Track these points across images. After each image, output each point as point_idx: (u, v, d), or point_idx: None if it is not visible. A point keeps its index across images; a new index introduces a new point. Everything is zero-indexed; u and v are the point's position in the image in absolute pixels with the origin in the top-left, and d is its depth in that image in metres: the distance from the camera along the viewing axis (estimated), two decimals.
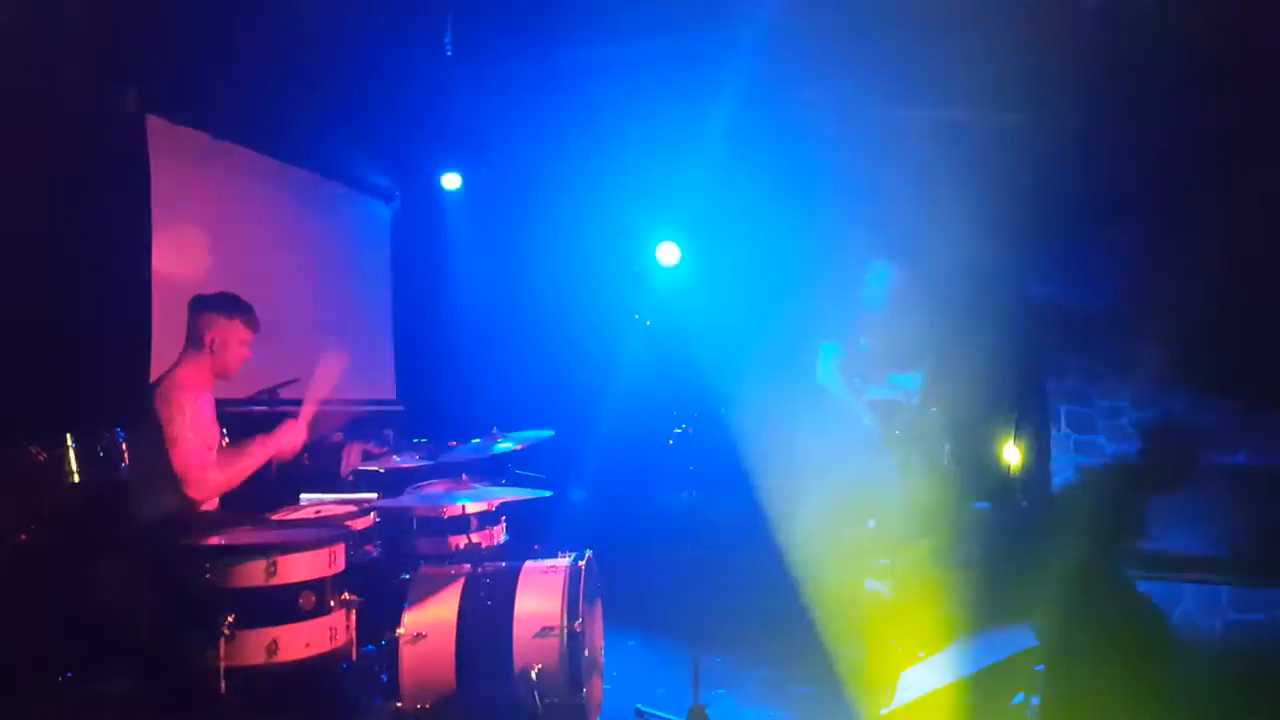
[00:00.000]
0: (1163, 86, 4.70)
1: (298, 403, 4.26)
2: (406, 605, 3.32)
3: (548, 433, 4.20)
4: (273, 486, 3.78)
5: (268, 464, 3.54)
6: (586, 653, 3.35)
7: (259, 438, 3.46)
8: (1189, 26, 4.17)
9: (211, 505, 3.37)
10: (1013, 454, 6.48)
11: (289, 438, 3.50)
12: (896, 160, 6.03)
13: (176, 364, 3.38)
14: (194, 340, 3.40)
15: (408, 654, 3.22)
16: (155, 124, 4.68)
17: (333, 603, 2.89)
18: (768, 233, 7.52)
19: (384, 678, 3.32)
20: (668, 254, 6.60)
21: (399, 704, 3.20)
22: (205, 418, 3.34)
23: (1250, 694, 4.14)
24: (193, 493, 3.17)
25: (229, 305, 3.46)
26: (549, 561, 3.53)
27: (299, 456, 3.68)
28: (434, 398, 6.50)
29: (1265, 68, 4.39)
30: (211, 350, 3.38)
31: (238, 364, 3.47)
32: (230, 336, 3.42)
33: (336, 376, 3.78)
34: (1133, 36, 4.13)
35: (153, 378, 4.13)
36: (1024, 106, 5.51)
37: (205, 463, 3.23)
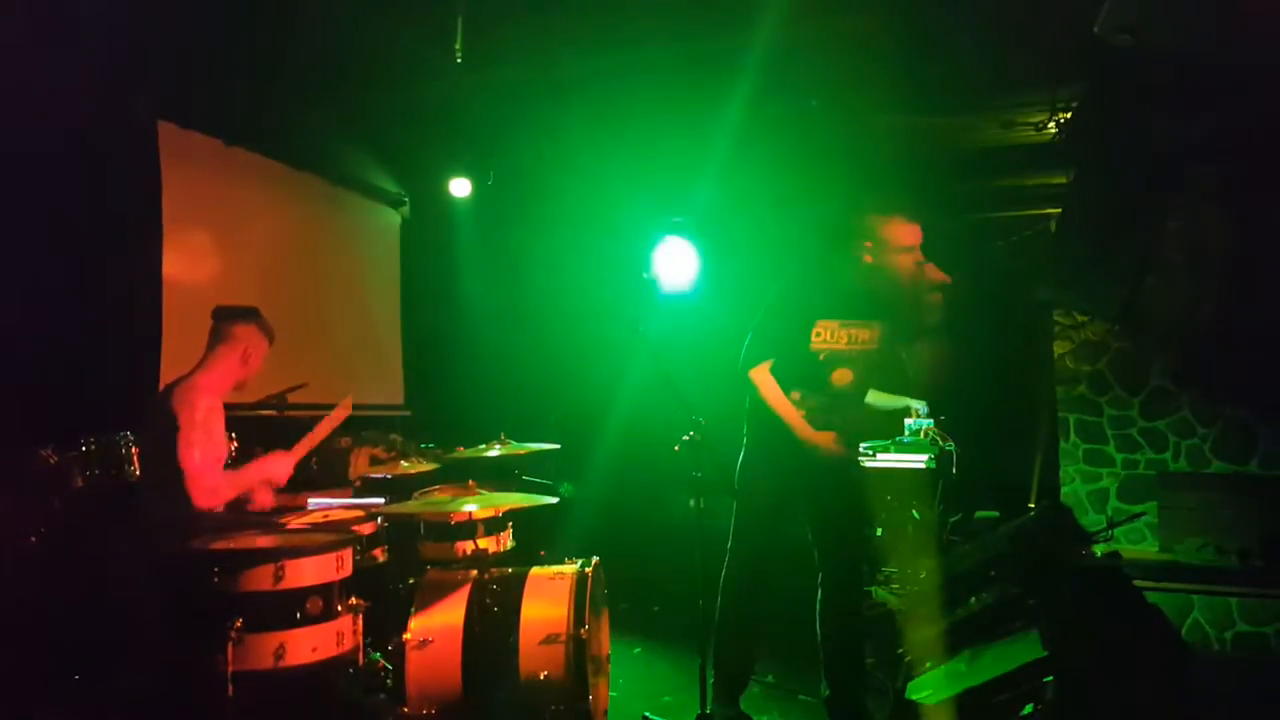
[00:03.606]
0: (1166, 93, 4.70)
1: (305, 407, 4.28)
2: (413, 610, 3.32)
3: (553, 446, 4.21)
4: (280, 491, 3.79)
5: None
6: (593, 660, 3.35)
7: (254, 462, 3.48)
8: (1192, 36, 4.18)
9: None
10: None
11: (279, 467, 3.49)
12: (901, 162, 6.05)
13: (199, 368, 3.37)
14: (227, 349, 3.40)
15: (414, 659, 3.22)
16: (167, 129, 4.72)
17: (340, 607, 2.89)
18: (773, 236, 7.54)
19: (390, 683, 3.32)
20: (676, 265, 6.59)
21: (405, 709, 3.20)
22: (218, 424, 3.35)
23: (1261, 707, 4.11)
24: (199, 500, 3.17)
25: (262, 319, 3.50)
26: (556, 568, 3.52)
27: (307, 460, 3.69)
28: (442, 403, 6.52)
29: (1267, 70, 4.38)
30: (245, 362, 3.40)
31: (253, 377, 3.50)
32: (261, 350, 3.45)
33: (339, 422, 3.81)
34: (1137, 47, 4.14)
35: (162, 381, 4.16)
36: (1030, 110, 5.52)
37: (215, 470, 3.24)
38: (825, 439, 3.49)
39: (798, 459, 3.53)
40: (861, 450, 5.51)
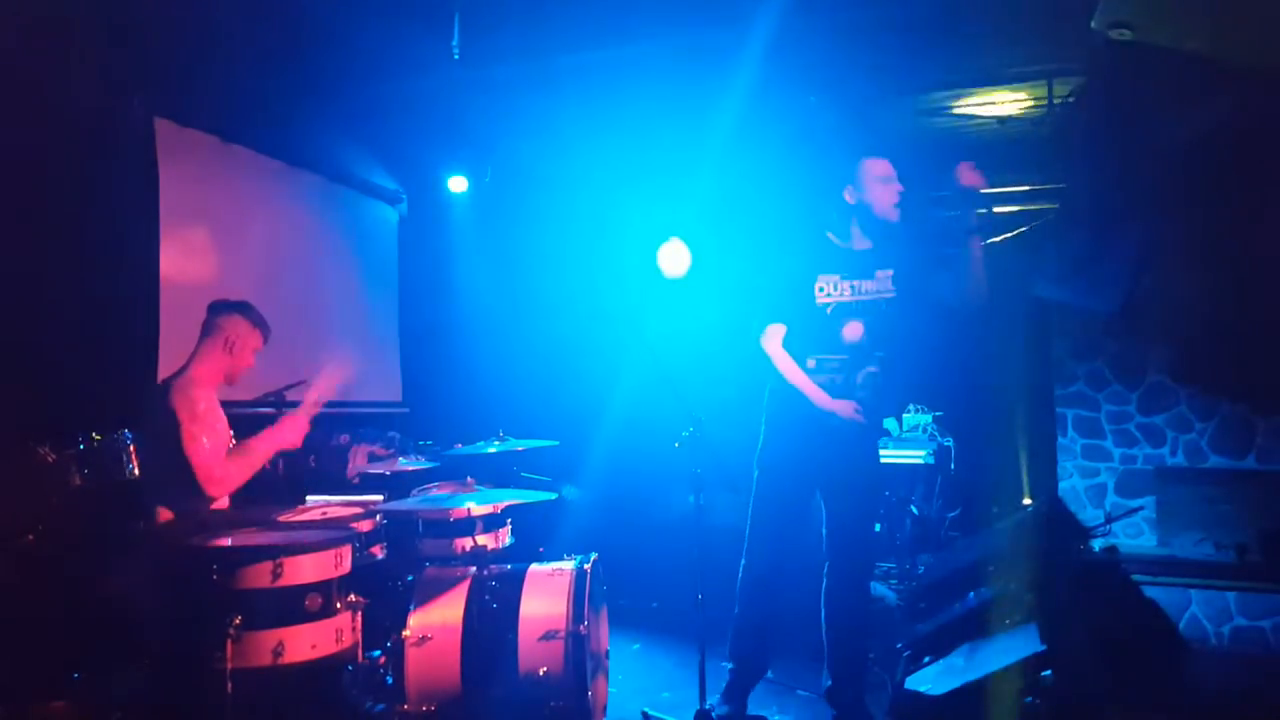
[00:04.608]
0: (1165, 89, 4.70)
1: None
2: (412, 607, 3.32)
3: (552, 442, 4.21)
4: (279, 488, 3.79)
5: (274, 462, 3.54)
6: (592, 656, 3.35)
7: (264, 433, 3.46)
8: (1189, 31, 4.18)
9: (222, 504, 3.38)
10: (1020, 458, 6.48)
11: (291, 432, 3.48)
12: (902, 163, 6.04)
13: (191, 361, 3.40)
14: (211, 339, 3.42)
15: (413, 656, 3.22)
16: (164, 127, 4.71)
17: (339, 605, 2.89)
18: (773, 236, 7.52)
19: (389, 680, 3.32)
20: (674, 261, 6.59)
21: (404, 706, 3.20)
22: (218, 416, 3.36)
23: (1258, 701, 4.12)
24: (211, 490, 3.19)
25: (251, 312, 3.52)
26: (555, 564, 3.52)
27: (305, 457, 3.69)
28: (440, 400, 6.52)
29: (1265, 67, 4.39)
30: (230, 351, 3.41)
31: (244, 370, 3.50)
32: (248, 343, 3.46)
33: (340, 379, 3.79)
34: (1135, 41, 4.14)
35: (160, 378, 4.16)
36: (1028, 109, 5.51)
37: (222, 460, 3.25)
38: (844, 406, 3.44)
39: (817, 440, 3.50)
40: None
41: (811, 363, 3.51)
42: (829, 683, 3.70)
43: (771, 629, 3.75)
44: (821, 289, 3.47)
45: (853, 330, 3.49)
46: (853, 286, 3.49)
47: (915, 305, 3.55)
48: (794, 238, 3.66)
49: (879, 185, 3.46)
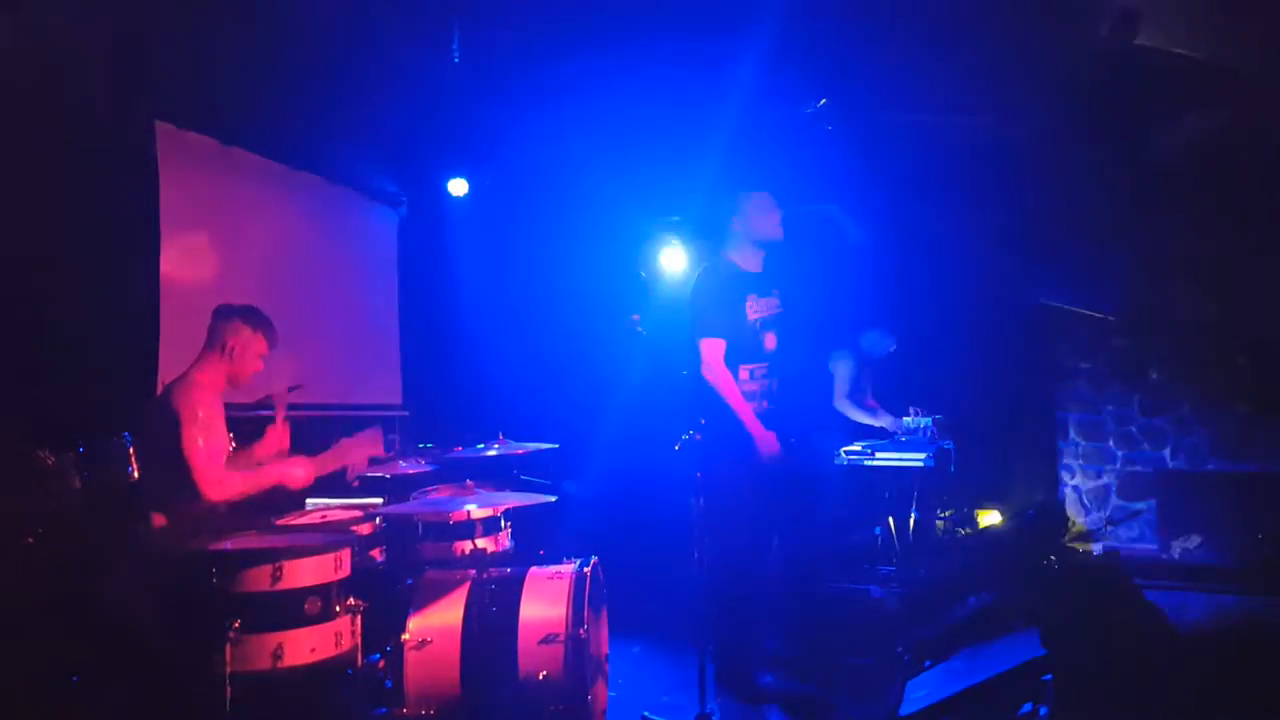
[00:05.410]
0: (1165, 93, 4.71)
1: (303, 407, 4.29)
2: (412, 611, 3.32)
3: (552, 445, 4.21)
4: (279, 491, 3.78)
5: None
6: (591, 660, 3.35)
7: (274, 464, 3.50)
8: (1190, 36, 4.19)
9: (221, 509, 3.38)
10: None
11: (299, 474, 3.51)
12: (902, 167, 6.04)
13: (193, 366, 3.41)
14: (213, 344, 3.43)
15: (412, 660, 3.22)
16: (164, 129, 4.71)
17: (338, 608, 2.89)
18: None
19: (389, 684, 3.32)
20: (672, 260, 6.59)
21: (404, 710, 3.20)
22: (220, 422, 3.36)
23: (1258, 706, 4.11)
24: (209, 493, 3.18)
25: (254, 317, 3.52)
26: (554, 568, 3.52)
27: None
28: (440, 403, 6.51)
29: (1264, 74, 4.39)
30: (230, 356, 3.42)
31: (249, 374, 3.51)
32: (250, 347, 3.46)
33: (367, 453, 3.88)
34: (1135, 48, 4.15)
35: (160, 381, 4.16)
36: (1031, 113, 5.51)
37: (221, 464, 3.25)
38: (768, 441, 3.74)
39: (756, 479, 3.75)
40: (846, 451, 5.52)
41: (744, 373, 3.86)
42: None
43: (752, 620, 3.90)
44: (751, 306, 3.89)
45: (770, 340, 3.94)
46: (765, 304, 3.96)
47: (801, 325, 4.09)
48: (720, 262, 4.03)
49: (760, 217, 3.94)
